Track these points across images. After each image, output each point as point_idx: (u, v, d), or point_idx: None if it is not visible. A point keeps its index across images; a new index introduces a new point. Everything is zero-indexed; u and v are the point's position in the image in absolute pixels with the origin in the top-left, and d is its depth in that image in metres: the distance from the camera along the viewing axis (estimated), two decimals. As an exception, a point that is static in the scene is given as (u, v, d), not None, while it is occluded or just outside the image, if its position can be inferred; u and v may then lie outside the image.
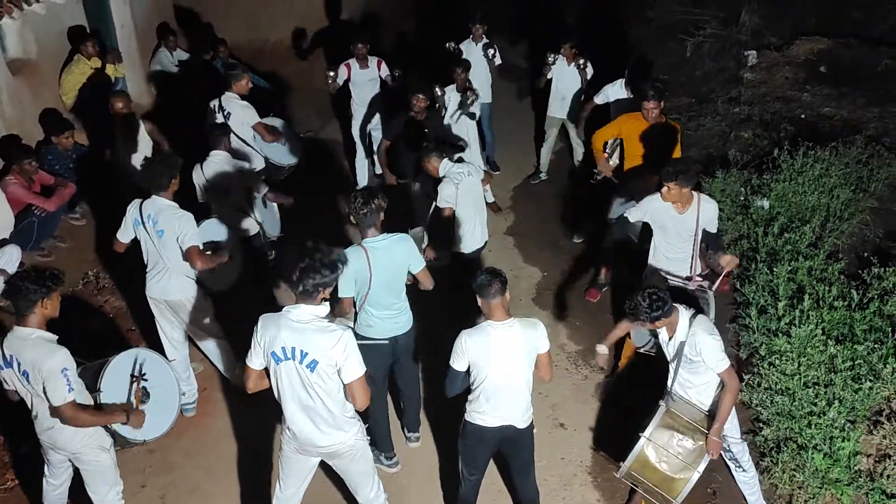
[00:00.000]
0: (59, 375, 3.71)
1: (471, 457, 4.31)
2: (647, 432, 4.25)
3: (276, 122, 7.15)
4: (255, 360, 3.74)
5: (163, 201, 4.86)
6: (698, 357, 4.15)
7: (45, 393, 3.76)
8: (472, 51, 8.01)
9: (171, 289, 5.03)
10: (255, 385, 3.82)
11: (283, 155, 6.99)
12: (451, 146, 6.17)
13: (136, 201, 4.95)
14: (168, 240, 4.85)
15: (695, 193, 5.10)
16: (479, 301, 3.98)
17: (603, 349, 4.76)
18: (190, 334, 5.34)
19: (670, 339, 4.26)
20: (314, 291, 3.55)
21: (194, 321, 5.22)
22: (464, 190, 5.59)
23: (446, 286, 5.91)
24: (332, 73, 7.49)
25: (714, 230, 5.19)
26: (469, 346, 3.96)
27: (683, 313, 4.19)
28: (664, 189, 4.98)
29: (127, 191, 6.35)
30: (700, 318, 4.22)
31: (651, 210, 5.20)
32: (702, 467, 4.22)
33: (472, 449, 4.27)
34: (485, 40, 8.04)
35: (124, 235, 5.00)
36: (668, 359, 4.36)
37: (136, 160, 6.48)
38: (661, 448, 4.24)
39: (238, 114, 6.38)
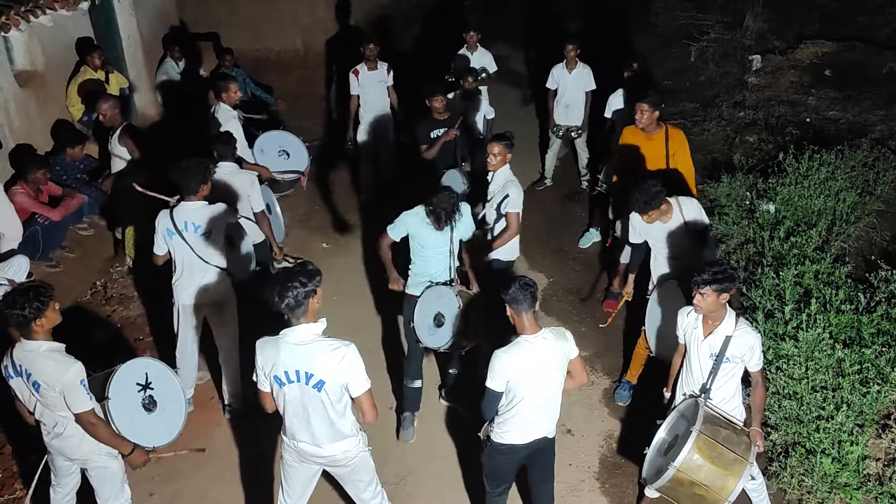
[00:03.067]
0: (78, 386, 3.79)
1: (500, 473, 4.25)
2: (696, 425, 4.04)
3: (282, 136, 7.13)
4: (264, 385, 3.75)
5: (194, 204, 4.90)
6: (738, 356, 4.13)
7: (65, 403, 3.80)
8: (466, 60, 8.04)
9: (215, 288, 5.10)
10: (272, 406, 3.83)
11: (283, 168, 6.97)
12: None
13: (165, 212, 4.95)
14: (216, 238, 4.96)
15: (671, 200, 5.07)
16: (510, 313, 3.90)
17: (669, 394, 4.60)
18: (217, 339, 5.39)
19: (706, 336, 4.19)
20: (303, 303, 3.54)
21: (227, 320, 5.30)
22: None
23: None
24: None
25: (704, 224, 5.18)
26: (506, 363, 3.87)
27: (730, 310, 4.16)
28: (646, 218, 4.99)
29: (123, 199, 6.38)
30: (742, 318, 4.21)
31: (637, 225, 5.21)
32: (752, 458, 4.09)
33: (501, 467, 4.21)
34: (480, 48, 8.08)
35: (160, 248, 5.03)
36: (698, 359, 4.25)
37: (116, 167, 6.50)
38: (711, 441, 4.04)
39: (229, 126, 6.36)
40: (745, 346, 4.12)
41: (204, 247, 4.98)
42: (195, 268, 5.03)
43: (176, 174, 4.91)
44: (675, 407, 4.43)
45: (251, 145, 6.77)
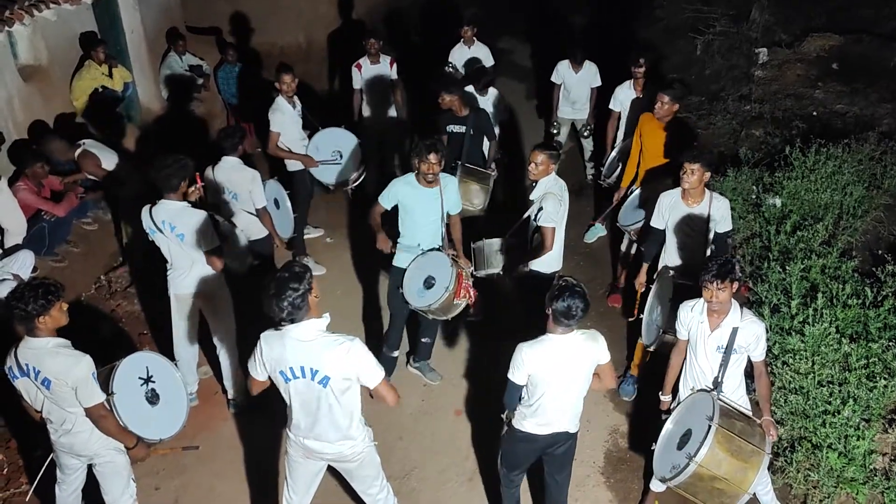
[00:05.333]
0: (91, 379, 3.80)
1: (516, 459, 4.27)
2: (714, 419, 4.02)
3: (340, 135, 7.03)
4: (259, 373, 3.76)
5: (174, 204, 4.88)
6: (745, 347, 4.15)
7: (76, 397, 3.80)
8: (463, 55, 8.01)
9: (205, 279, 5.10)
10: (258, 390, 3.89)
11: (326, 172, 6.95)
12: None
13: (145, 208, 4.96)
14: (190, 240, 4.92)
15: (707, 190, 5.09)
16: (548, 312, 3.85)
17: (666, 398, 4.63)
18: (213, 332, 5.39)
19: (713, 330, 4.20)
20: (302, 306, 3.52)
21: (220, 312, 5.31)
22: (565, 208, 5.30)
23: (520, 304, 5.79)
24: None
25: (727, 228, 5.17)
26: (529, 358, 3.88)
27: (735, 302, 4.16)
28: (686, 173, 4.95)
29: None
30: (745, 308, 4.20)
31: (664, 206, 5.18)
32: (768, 448, 4.09)
33: (520, 454, 4.23)
34: (476, 42, 8.06)
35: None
36: (705, 353, 4.25)
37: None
38: (728, 433, 4.04)
39: (278, 117, 6.61)
40: (752, 335, 4.14)
41: (188, 246, 4.97)
42: (182, 260, 5.05)
43: (155, 173, 4.89)
44: (681, 401, 4.42)
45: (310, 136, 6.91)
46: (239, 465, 5.19)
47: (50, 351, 3.78)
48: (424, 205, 5.17)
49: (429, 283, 5.13)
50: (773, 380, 5.12)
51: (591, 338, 3.95)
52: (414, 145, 5.12)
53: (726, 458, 4.00)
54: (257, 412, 5.19)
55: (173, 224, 4.88)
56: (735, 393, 4.32)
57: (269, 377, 3.77)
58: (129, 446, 4.08)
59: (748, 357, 4.26)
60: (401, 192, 5.17)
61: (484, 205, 6.57)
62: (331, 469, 4.14)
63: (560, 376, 3.90)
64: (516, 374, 3.93)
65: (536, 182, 5.32)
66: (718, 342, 4.20)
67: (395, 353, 5.60)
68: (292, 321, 3.56)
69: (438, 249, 5.26)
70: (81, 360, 3.79)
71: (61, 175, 6.65)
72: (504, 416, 4.24)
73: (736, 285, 4.08)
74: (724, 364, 4.21)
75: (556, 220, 5.21)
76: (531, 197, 5.41)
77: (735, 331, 4.13)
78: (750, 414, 4.27)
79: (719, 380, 4.24)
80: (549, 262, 5.39)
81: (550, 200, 5.16)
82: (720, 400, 4.18)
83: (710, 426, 4.00)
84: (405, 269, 5.25)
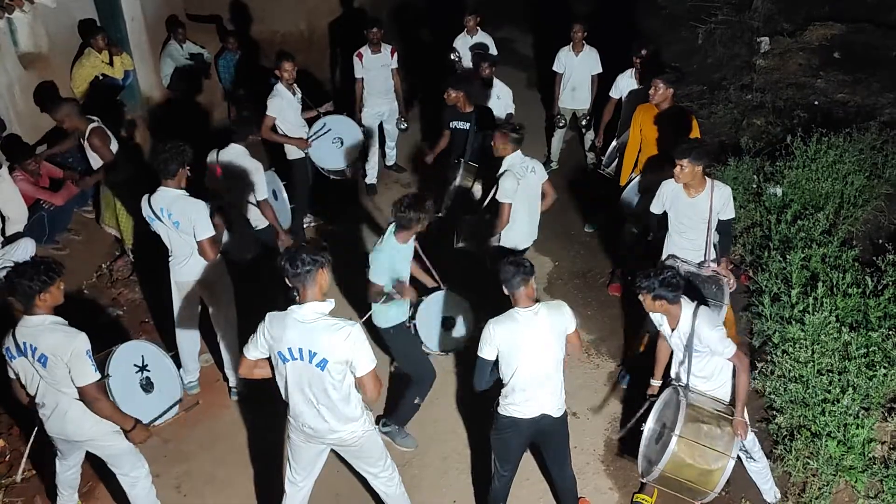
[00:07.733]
0: (85, 357, 3.82)
1: (506, 450, 4.30)
2: (676, 429, 4.14)
3: (341, 123, 7.05)
4: (251, 352, 3.81)
5: (171, 191, 4.87)
6: (705, 348, 4.19)
7: (70, 375, 3.81)
8: (466, 44, 7.99)
9: (204, 268, 5.09)
10: (246, 373, 3.92)
11: (325, 158, 6.93)
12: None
13: (144, 197, 4.96)
14: (186, 228, 4.90)
15: (708, 179, 5.08)
16: (505, 290, 4.00)
17: (657, 383, 4.69)
18: (213, 320, 5.39)
19: (673, 330, 4.26)
20: (311, 269, 3.58)
21: (220, 300, 5.30)
22: (524, 186, 5.49)
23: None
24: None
25: (729, 216, 5.16)
26: (497, 333, 3.97)
27: (686, 305, 4.20)
28: (677, 168, 4.93)
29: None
30: (702, 309, 4.22)
31: (665, 194, 5.18)
32: (734, 452, 4.19)
33: (507, 442, 4.26)
34: (480, 32, 8.02)
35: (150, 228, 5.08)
36: (676, 351, 4.36)
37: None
38: (692, 442, 4.15)
39: (276, 103, 6.63)
40: (706, 339, 4.17)
41: (184, 233, 4.95)
42: (182, 248, 5.04)
43: (154, 159, 4.87)
44: (660, 395, 4.53)
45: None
46: (240, 453, 5.21)
47: (47, 327, 3.81)
48: (407, 260, 4.97)
49: (448, 325, 5.17)
50: (772, 368, 5.15)
51: (556, 307, 4.07)
52: (408, 210, 4.63)
53: (689, 465, 4.16)
54: (258, 400, 5.20)
55: (170, 211, 4.88)
56: (712, 381, 4.36)
57: (263, 359, 3.81)
58: (127, 429, 4.09)
59: None
60: (388, 260, 4.73)
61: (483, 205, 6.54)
62: (335, 451, 4.16)
63: (529, 347, 3.97)
64: (485, 350, 4.03)
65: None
66: (681, 340, 4.27)
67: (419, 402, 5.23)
68: (297, 291, 3.61)
69: (437, 289, 5.27)
70: (77, 336, 3.81)
71: (67, 168, 6.61)
72: (493, 408, 4.26)
73: (660, 302, 4.12)
74: (688, 360, 4.27)
75: (511, 196, 5.43)
76: (497, 175, 5.59)
77: (691, 333, 4.18)
78: (725, 404, 4.34)
79: (685, 382, 4.34)
80: (514, 240, 5.63)
81: (507, 178, 5.42)
82: (688, 399, 4.26)
83: (671, 436, 4.14)
84: (412, 323, 5.08)
